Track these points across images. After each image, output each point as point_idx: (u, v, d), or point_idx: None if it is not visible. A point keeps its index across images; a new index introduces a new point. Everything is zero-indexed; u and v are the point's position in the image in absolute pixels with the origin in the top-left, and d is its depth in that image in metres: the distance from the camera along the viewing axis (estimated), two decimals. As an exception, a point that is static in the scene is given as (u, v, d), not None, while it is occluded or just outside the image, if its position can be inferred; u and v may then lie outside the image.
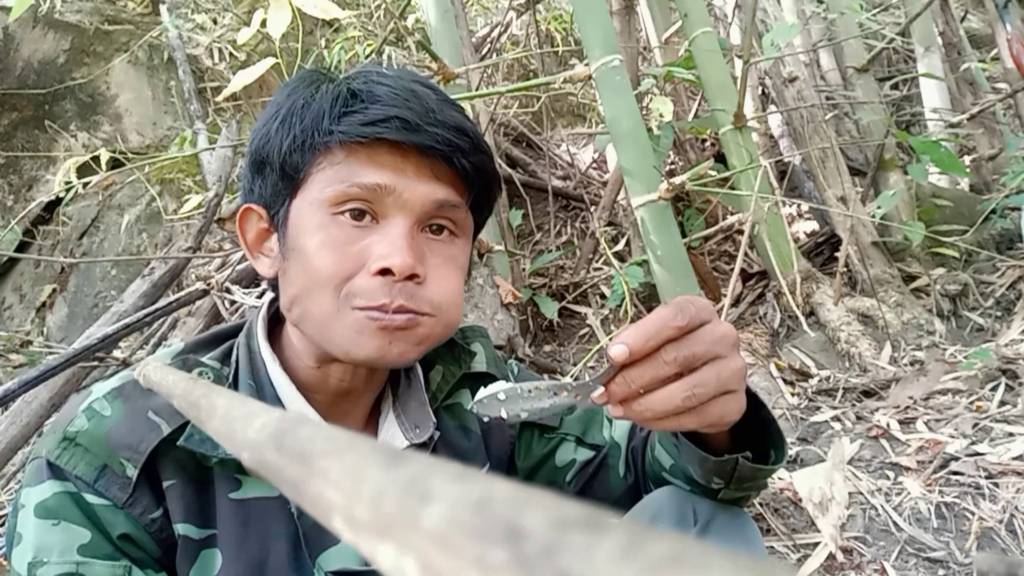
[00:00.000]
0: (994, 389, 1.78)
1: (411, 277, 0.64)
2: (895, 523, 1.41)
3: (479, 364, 0.84)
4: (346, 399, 0.74)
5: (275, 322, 0.76)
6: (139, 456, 0.63)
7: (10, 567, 0.63)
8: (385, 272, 0.63)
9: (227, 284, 1.99)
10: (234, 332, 0.76)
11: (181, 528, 0.64)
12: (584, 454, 0.85)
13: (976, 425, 1.65)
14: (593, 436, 0.86)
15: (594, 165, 3.47)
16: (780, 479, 1.57)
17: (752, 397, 0.66)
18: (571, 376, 2.00)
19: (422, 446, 0.75)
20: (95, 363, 1.96)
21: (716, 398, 0.54)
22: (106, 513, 0.62)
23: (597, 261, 2.78)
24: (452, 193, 0.68)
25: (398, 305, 0.63)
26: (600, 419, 0.88)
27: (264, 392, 0.70)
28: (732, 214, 2.61)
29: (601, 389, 0.54)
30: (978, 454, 1.55)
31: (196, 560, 0.65)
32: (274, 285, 0.73)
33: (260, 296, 2.09)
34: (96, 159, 2.07)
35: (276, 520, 0.67)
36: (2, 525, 2.03)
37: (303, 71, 0.73)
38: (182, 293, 2.00)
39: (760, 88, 3.10)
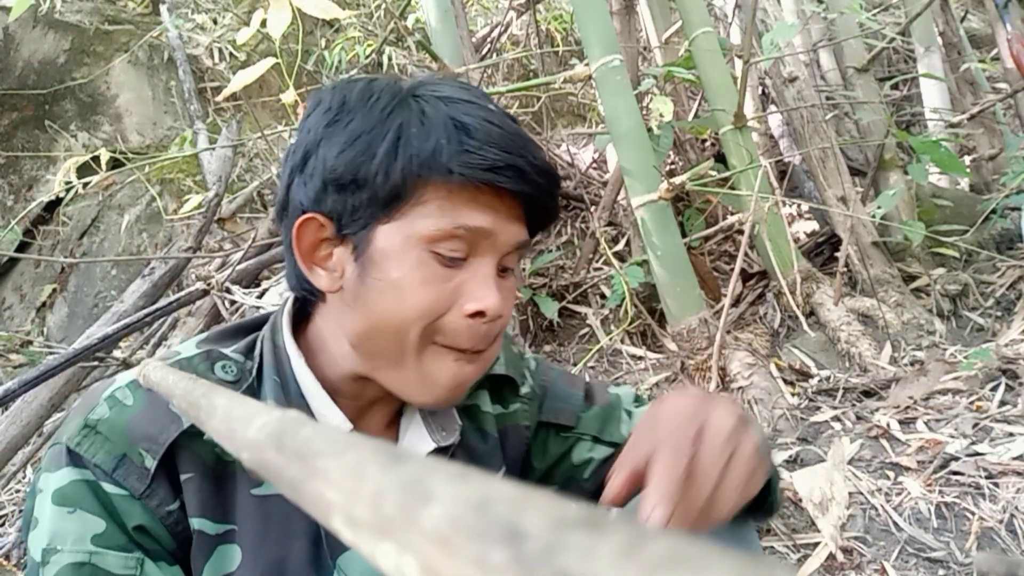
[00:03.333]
0: (994, 389, 1.78)
1: (497, 318, 0.66)
2: (895, 523, 1.41)
3: (498, 367, 0.84)
4: (374, 405, 0.74)
5: (299, 317, 0.74)
6: (158, 447, 0.63)
7: (26, 550, 0.63)
8: (478, 314, 0.65)
9: (227, 284, 1.99)
10: (258, 325, 0.75)
11: (196, 523, 0.64)
12: (601, 451, 0.85)
13: (976, 425, 1.65)
14: (610, 434, 0.86)
15: (594, 165, 3.47)
16: (780, 479, 1.57)
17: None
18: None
19: (444, 449, 0.75)
20: (95, 363, 1.96)
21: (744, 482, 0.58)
22: (123, 503, 0.62)
23: (597, 261, 2.78)
24: (527, 232, 0.70)
25: (477, 349, 0.66)
26: (618, 415, 0.87)
27: (288, 388, 0.69)
28: (732, 214, 2.61)
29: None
30: (978, 454, 1.55)
31: (212, 555, 0.65)
32: (305, 292, 0.71)
33: (260, 296, 2.09)
34: (96, 159, 2.07)
35: (298, 518, 0.67)
36: (1, 523, 2.03)
37: (378, 80, 0.69)
38: (182, 293, 2.00)
39: (760, 88, 3.10)
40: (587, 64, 1.95)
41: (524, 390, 0.86)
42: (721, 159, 2.44)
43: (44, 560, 0.60)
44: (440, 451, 0.75)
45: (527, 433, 0.86)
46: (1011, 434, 1.59)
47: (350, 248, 0.66)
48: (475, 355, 0.67)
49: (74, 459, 0.62)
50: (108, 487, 0.62)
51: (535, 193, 0.66)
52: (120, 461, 0.62)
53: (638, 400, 0.90)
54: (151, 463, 0.62)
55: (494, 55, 3.40)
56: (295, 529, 0.67)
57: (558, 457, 0.87)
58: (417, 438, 0.75)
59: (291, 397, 0.69)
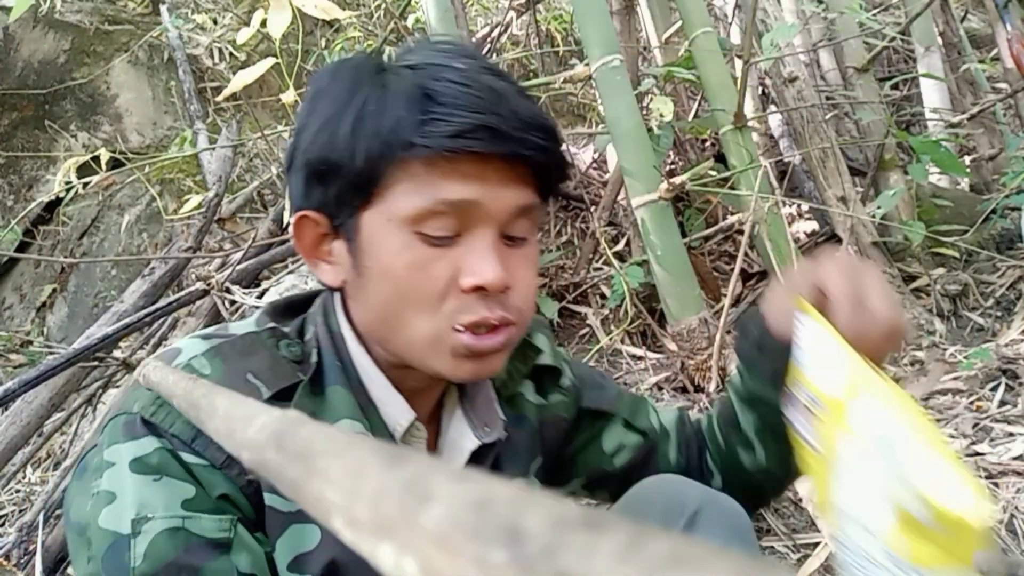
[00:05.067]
0: (994, 389, 1.78)
1: (504, 289, 0.63)
2: (895, 523, 1.41)
3: (545, 358, 0.83)
4: (419, 394, 0.71)
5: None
6: None
7: (89, 529, 0.59)
8: (477, 289, 0.61)
9: (227, 284, 1.99)
10: (304, 304, 0.73)
11: (268, 498, 0.62)
12: (632, 439, 0.86)
13: (976, 425, 1.65)
14: (640, 421, 0.87)
15: (594, 165, 3.47)
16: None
17: None
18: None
19: (489, 445, 0.73)
20: (95, 363, 1.96)
21: None
22: (204, 473, 0.59)
23: (597, 261, 2.78)
24: (532, 194, 0.65)
25: (499, 316, 0.63)
26: (647, 407, 0.89)
27: (349, 374, 0.67)
28: (732, 214, 2.61)
29: None
30: (978, 454, 1.55)
31: (284, 532, 0.63)
32: (326, 287, 0.70)
33: (260, 296, 2.08)
34: (96, 159, 2.07)
35: None
36: (1, 523, 2.02)
37: (352, 57, 0.67)
38: (182, 293, 2.00)
39: (760, 88, 3.10)
40: (587, 64, 1.95)
41: (564, 382, 0.85)
42: (721, 159, 2.44)
43: (135, 531, 0.57)
44: (484, 448, 0.73)
45: (565, 425, 0.85)
46: (1011, 434, 1.59)
47: (344, 240, 0.64)
48: (495, 329, 0.63)
49: (150, 429, 0.60)
50: (187, 457, 0.59)
51: (522, 151, 0.61)
52: (199, 431, 0.58)
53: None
54: None
55: (494, 55, 3.40)
56: None
57: (585, 443, 0.86)
58: (459, 434, 0.73)
59: (353, 383, 0.67)
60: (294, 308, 0.73)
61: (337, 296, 0.69)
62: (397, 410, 0.68)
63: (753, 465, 0.79)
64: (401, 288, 0.61)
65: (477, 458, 0.73)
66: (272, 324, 0.68)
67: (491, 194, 0.61)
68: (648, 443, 0.86)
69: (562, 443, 0.86)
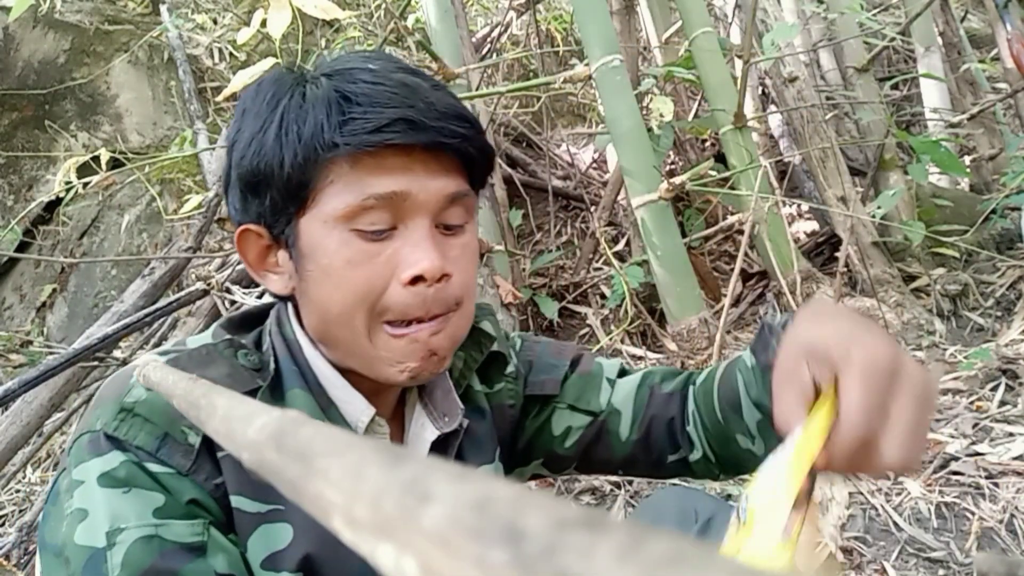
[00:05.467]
0: (994, 389, 1.78)
1: (442, 278, 0.63)
2: (895, 523, 1.41)
3: (494, 345, 0.84)
4: (376, 396, 0.72)
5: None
6: None
7: (66, 548, 0.59)
8: (417, 279, 0.62)
9: (227, 284, 1.99)
10: (260, 317, 0.75)
11: (234, 500, 0.63)
12: (580, 420, 0.85)
13: (976, 425, 1.66)
14: (587, 402, 0.85)
15: (594, 165, 3.47)
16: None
17: None
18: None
19: (451, 435, 0.74)
20: (95, 363, 1.96)
21: None
22: (171, 481, 0.60)
23: (597, 261, 2.78)
24: (461, 182, 0.66)
25: (433, 315, 0.64)
26: (597, 384, 0.87)
27: (307, 377, 0.69)
28: (732, 214, 2.61)
29: None
30: (978, 454, 1.55)
31: (254, 533, 0.63)
32: (277, 297, 0.72)
33: (260, 296, 2.09)
34: (96, 159, 2.07)
35: None
36: (1, 523, 2.02)
37: (272, 72, 0.70)
38: (182, 293, 2.00)
39: (760, 88, 3.10)
40: (587, 64, 1.95)
41: (509, 369, 0.85)
42: (721, 159, 2.44)
43: (110, 542, 0.58)
44: (444, 437, 0.74)
45: (512, 412, 0.85)
46: (1011, 434, 1.60)
47: (286, 248, 0.66)
48: (438, 321, 0.65)
49: (115, 444, 0.61)
50: (153, 467, 0.60)
51: (442, 139, 0.63)
52: (163, 441, 0.61)
53: (623, 372, 0.88)
54: (195, 439, 0.61)
55: (494, 55, 3.40)
56: None
57: (538, 428, 0.86)
58: (420, 427, 0.75)
59: (312, 386, 0.69)
60: (249, 321, 0.74)
61: (290, 305, 0.71)
62: (357, 408, 0.69)
63: (751, 451, 0.76)
64: (342, 286, 0.63)
65: (440, 449, 0.75)
66: (228, 336, 0.70)
67: (418, 184, 0.63)
68: (597, 423, 0.85)
69: (514, 429, 0.86)
